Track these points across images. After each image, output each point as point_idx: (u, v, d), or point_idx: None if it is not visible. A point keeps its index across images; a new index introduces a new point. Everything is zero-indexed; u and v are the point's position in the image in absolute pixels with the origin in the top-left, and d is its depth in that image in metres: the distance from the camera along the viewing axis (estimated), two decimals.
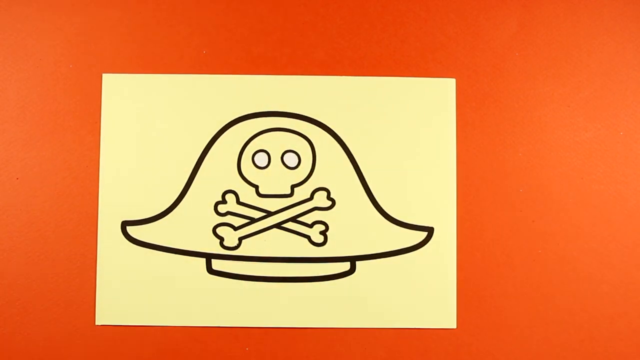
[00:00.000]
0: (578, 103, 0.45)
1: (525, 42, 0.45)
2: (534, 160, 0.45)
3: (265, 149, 0.44)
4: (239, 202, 0.44)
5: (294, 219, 0.44)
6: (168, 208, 0.44)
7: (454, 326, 0.44)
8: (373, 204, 0.44)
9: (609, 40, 0.45)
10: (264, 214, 0.44)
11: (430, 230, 0.45)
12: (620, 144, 0.45)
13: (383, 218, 0.44)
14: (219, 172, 0.44)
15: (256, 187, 0.44)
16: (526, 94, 0.45)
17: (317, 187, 0.45)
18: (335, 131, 0.45)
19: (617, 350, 0.44)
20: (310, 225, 0.44)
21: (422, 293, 0.44)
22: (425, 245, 0.45)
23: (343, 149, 0.45)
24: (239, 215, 0.44)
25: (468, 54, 0.45)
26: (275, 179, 0.44)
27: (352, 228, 0.44)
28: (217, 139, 0.44)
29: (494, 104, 0.45)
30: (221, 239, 0.44)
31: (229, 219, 0.44)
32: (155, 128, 0.44)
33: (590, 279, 0.45)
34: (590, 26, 0.46)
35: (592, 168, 0.45)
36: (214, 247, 0.44)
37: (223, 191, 0.44)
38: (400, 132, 0.45)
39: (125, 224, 0.44)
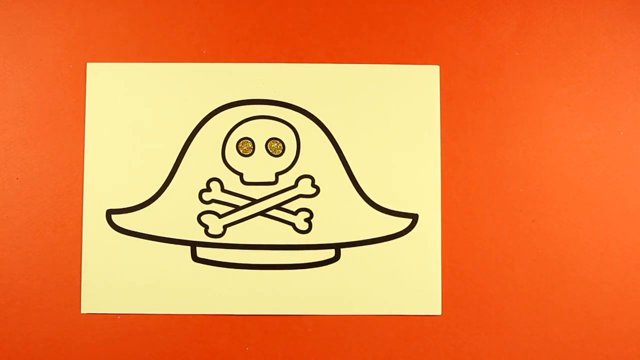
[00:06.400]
0: (578, 103, 0.45)
1: (525, 42, 0.45)
2: (534, 160, 0.45)
3: (249, 136, 0.45)
4: (223, 190, 0.44)
5: (278, 207, 0.44)
6: (153, 196, 0.44)
7: (439, 313, 0.44)
8: (357, 191, 0.45)
9: (609, 40, 0.46)
10: (248, 201, 0.44)
11: (414, 217, 0.45)
12: (620, 144, 0.45)
13: (367, 205, 0.44)
14: (203, 160, 0.44)
15: (241, 174, 0.45)
16: (526, 94, 0.45)
17: (302, 174, 0.45)
18: (319, 118, 0.45)
19: (617, 350, 0.44)
20: (295, 213, 0.44)
21: (407, 280, 0.44)
22: (410, 232, 0.45)
23: (327, 136, 0.45)
24: (224, 203, 0.44)
25: (468, 54, 0.45)
26: (260, 167, 0.45)
27: (337, 215, 0.44)
28: (201, 127, 0.44)
29: (493, 104, 0.45)
30: (206, 227, 0.44)
31: (213, 206, 0.44)
32: (139, 117, 0.44)
33: (590, 279, 0.44)
34: (590, 26, 0.46)
35: (592, 168, 0.45)
36: (199, 235, 0.44)
37: (208, 179, 0.44)
38: (385, 119, 0.45)
39: (110, 213, 0.44)
